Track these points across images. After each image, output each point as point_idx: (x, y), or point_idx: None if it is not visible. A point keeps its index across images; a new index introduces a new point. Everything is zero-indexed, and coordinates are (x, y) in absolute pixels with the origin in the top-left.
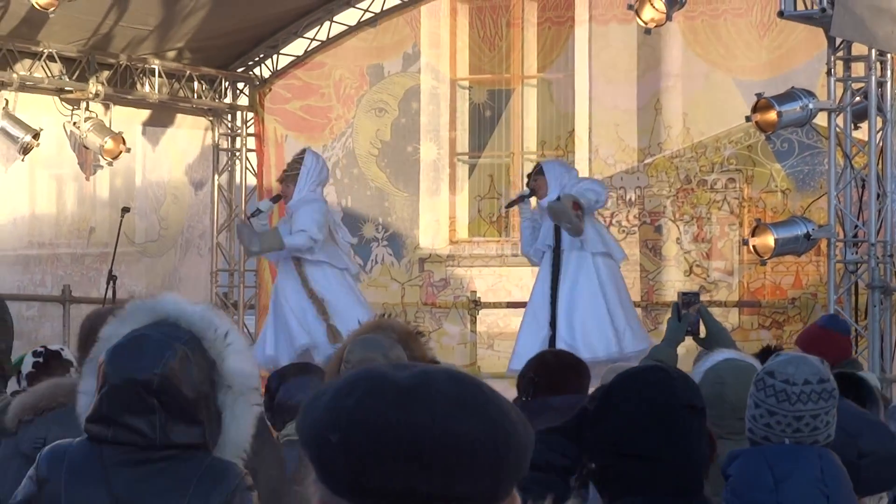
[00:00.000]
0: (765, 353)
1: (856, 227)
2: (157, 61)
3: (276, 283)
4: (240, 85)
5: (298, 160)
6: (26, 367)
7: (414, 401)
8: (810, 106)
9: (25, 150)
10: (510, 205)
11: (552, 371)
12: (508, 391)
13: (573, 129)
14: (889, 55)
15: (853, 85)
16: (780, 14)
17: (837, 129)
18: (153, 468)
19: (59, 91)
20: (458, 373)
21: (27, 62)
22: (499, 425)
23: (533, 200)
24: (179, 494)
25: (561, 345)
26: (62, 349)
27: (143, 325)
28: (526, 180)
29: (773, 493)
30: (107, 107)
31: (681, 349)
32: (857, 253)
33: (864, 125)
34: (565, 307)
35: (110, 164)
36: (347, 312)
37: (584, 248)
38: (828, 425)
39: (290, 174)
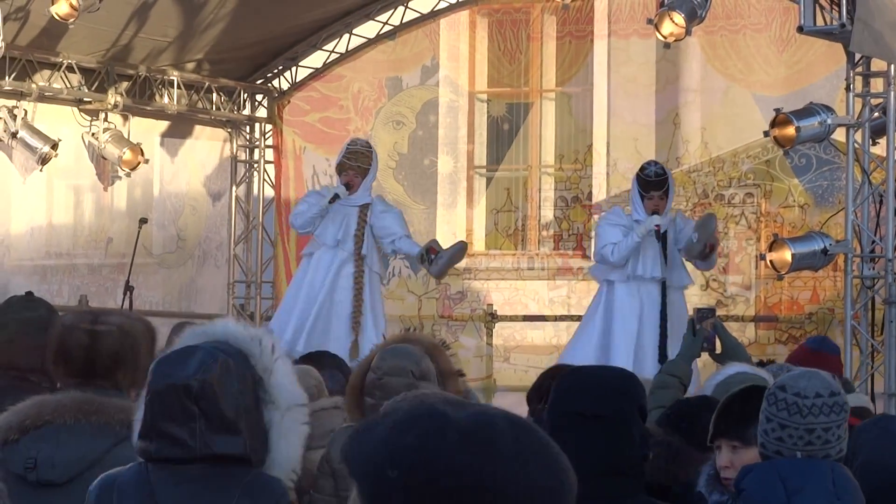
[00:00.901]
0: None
1: (873, 242)
2: (175, 73)
3: (308, 271)
4: (258, 97)
5: (366, 154)
6: None
7: (476, 444)
8: (829, 121)
9: (44, 160)
10: (662, 238)
11: None
12: (523, 405)
13: (591, 143)
14: None
15: (872, 100)
16: (800, 29)
17: (856, 145)
18: (196, 483)
19: (77, 102)
20: (514, 416)
21: (46, 73)
22: (556, 472)
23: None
24: None
25: None
26: None
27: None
28: (646, 185)
29: None
30: (125, 118)
31: (699, 364)
32: (874, 268)
33: (883, 141)
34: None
35: (128, 174)
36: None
37: (678, 284)
38: (839, 439)
39: (361, 167)
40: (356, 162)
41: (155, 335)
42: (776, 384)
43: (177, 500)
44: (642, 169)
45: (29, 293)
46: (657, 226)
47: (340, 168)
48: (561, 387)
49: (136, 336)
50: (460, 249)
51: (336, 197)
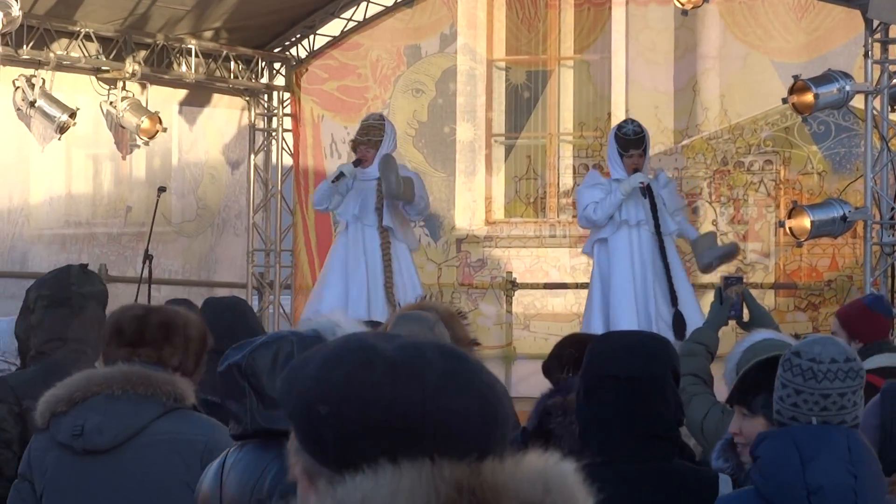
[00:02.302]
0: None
1: (892, 208)
2: (193, 41)
3: (342, 247)
4: (276, 65)
5: (378, 127)
6: None
7: (404, 376)
8: (847, 88)
9: (62, 129)
10: (647, 194)
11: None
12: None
13: (610, 111)
14: None
15: (890, 67)
16: None
17: (874, 112)
18: (249, 455)
19: (95, 70)
20: (445, 346)
21: (64, 41)
22: (487, 401)
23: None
24: (256, 476)
25: (692, 326)
26: None
27: None
28: (625, 144)
29: (800, 473)
30: (143, 86)
31: (723, 330)
32: (893, 235)
33: None
34: (684, 292)
35: (147, 143)
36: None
37: (667, 231)
38: (855, 406)
39: (372, 140)
40: (367, 136)
41: (208, 336)
42: (791, 350)
43: (232, 468)
44: (619, 128)
45: (84, 265)
46: (642, 183)
47: (354, 146)
48: (594, 351)
49: (189, 323)
50: None
51: (341, 174)
